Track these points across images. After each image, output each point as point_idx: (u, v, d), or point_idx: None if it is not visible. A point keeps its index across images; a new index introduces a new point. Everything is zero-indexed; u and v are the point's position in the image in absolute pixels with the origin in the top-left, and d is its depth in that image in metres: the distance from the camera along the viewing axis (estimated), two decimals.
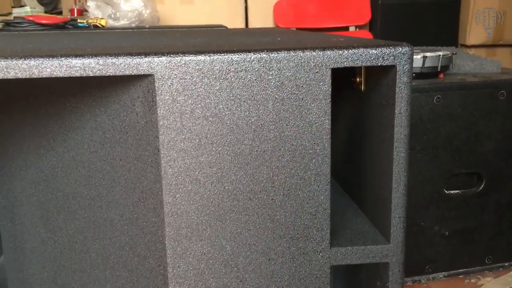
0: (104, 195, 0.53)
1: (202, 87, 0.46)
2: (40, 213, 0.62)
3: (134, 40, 0.67)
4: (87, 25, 1.40)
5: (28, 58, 0.43)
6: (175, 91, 0.46)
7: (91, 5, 1.51)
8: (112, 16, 1.52)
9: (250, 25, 1.99)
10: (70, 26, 1.39)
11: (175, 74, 0.46)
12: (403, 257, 0.52)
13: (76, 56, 0.44)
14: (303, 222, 0.49)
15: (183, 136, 0.47)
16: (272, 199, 0.49)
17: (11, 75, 0.43)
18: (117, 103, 0.49)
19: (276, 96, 0.47)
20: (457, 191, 1.14)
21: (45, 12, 1.96)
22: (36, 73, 0.43)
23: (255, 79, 0.47)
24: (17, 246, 0.64)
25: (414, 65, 1.12)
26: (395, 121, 0.50)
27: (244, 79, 0.46)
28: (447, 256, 1.16)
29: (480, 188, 1.15)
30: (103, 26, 1.40)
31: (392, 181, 0.51)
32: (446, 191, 1.13)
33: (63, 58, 0.44)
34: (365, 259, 0.51)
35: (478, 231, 1.17)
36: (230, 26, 1.52)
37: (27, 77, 0.44)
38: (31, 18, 1.37)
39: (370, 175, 0.58)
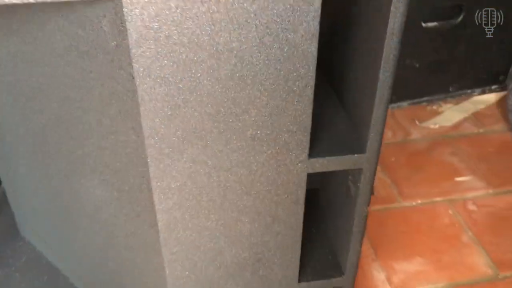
0: (78, 100, 0.51)
1: (178, 11, 0.41)
2: (24, 130, 0.60)
3: None
4: None
5: None
6: (147, 17, 0.41)
7: None
8: None
9: None
10: None
11: None
12: (376, 165, 0.54)
13: None
14: (284, 139, 0.50)
15: (159, 64, 0.43)
16: (253, 119, 0.48)
17: None
18: (83, 15, 0.44)
19: (260, 20, 0.42)
20: (434, 23, 1.12)
21: None
22: None
23: (237, 2, 0.41)
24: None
25: None
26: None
27: (224, 1, 0.41)
28: (413, 86, 1.20)
29: (458, 20, 1.13)
30: None
31: (376, 95, 0.50)
32: (424, 24, 1.11)
33: None
34: (340, 167, 0.53)
35: (447, 62, 1.19)
36: None
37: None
38: None
39: (355, 73, 0.57)
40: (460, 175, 1.05)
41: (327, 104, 0.62)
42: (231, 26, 0.42)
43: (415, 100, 1.23)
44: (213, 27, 0.42)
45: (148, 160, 0.48)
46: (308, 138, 0.50)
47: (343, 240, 0.64)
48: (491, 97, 1.27)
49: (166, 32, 0.42)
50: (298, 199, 0.54)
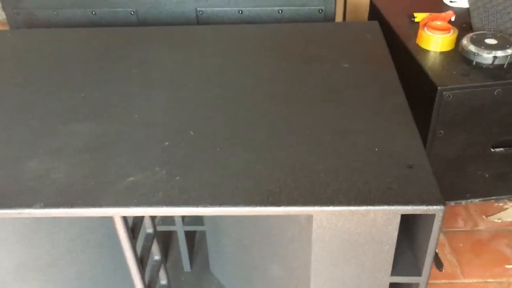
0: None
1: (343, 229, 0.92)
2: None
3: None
4: None
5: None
6: (331, 229, 0.92)
7: None
8: None
9: None
10: None
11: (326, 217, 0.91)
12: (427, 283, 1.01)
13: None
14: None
15: (331, 261, 0.95)
16: None
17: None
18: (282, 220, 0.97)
19: None
20: (501, 149, 1.53)
21: None
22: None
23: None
24: None
25: (484, 61, 1.41)
26: None
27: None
28: (483, 189, 1.62)
29: None
30: None
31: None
32: (492, 150, 1.53)
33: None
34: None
35: (509, 174, 1.59)
36: None
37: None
38: None
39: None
40: (510, 263, 1.46)
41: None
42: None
43: (485, 198, 1.65)
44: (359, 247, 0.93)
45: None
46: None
47: None
48: None
49: (336, 246, 0.93)
50: None
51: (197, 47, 1.35)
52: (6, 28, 2.95)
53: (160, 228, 1.30)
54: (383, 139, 0.99)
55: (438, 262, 1.46)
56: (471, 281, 1.41)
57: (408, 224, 1.02)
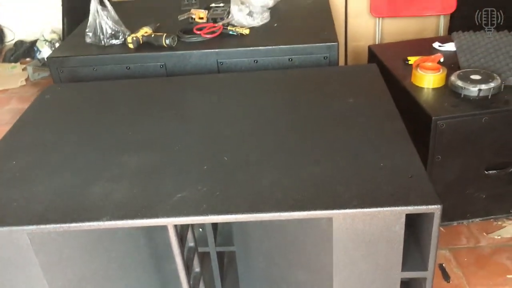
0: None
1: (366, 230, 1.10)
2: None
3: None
4: (235, 34, 1.95)
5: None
6: (348, 230, 1.09)
7: (234, 9, 2.03)
8: (249, 15, 2.04)
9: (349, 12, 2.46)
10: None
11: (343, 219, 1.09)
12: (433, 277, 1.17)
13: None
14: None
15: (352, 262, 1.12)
16: None
17: None
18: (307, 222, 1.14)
19: None
20: (494, 171, 1.71)
21: None
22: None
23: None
24: None
25: (471, 94, 1.62)
26: None
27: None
28: (483, 209, 1.79)
29: (510, 170, 1.71)
30: (246, 34, 1.95)
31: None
32: (486, 172, 1.71)
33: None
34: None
35: (506, 194, 1.76)
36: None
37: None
38: (197, 32, 1.95)
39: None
40: (510, 274, 1.60)
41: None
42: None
43: (485, 218, 1.81)
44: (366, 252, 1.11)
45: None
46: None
47: None
48: None
49: (356, 245, 1.11)
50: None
51: (220, 90, 1.58)
52: (36, 87, 3.22)
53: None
54: (387, 156, 1.18)
55: (445, 275, 1.61)
56: None
57: (413, 229, 1.19)
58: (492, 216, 1.81)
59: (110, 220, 1.06)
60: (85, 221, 1.06)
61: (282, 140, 1.28)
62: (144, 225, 1.06)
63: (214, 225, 1.50)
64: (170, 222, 1.06)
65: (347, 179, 1.12)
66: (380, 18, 2.53)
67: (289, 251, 1.27)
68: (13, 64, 3.50)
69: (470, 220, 1.81)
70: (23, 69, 3.39)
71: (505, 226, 1.79)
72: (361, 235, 1.07)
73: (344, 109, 1.40)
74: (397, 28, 2.61)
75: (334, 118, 1.36)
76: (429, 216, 1.06)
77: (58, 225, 1.06)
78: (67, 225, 1.06)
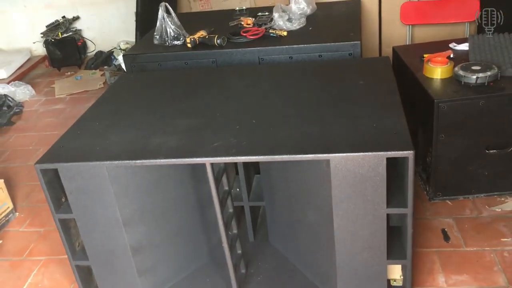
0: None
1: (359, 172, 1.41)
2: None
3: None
4: (275, 36, 2.32)
5: None
6: (342, 170, 1.42)
7: (275, 15, 2.41)
8: (288, 20, 2.41)
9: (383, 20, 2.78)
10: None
11: (342, 161, 1.41)
12: (413, 213, 1.46)
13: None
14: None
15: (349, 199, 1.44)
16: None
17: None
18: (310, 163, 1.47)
19: None
20: (494, 150, 1.96)
21: None
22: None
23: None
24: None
25: (470, 81, 1.89)
26: None
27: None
28: (487, 185, 2.02)
29: (510, 149, 1.95)
30: (284, 36, 2.32)
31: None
32: (486, 151, 1.96)
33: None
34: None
35: (508, 171, 1.99)
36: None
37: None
38: (244, 34, 2.34)
39: None
40: (505, 237, 1.84)
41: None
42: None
43: (489, 193, 2.04)
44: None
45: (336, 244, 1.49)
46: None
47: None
48: None
49: (354, 183, 1.43)
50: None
51: (258, 77, 1.95)
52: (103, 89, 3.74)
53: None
54: (380, 120, 1.50)
55: (446, 236, 1.87)
56: (472, 249, 1.79)
57: (399, 178, 1.49)
58: (496, 193, 2.04)
59: (165, 158, 1.45)
60: (147, 159, 1.45)
61: (300, 109, 1.63)
62: (187, 163, 1.44)
63: (248, 185, 1.86)
64: (207, 160, 1.43)
65: (345, 134, 1.45)
66: (410, 25, 2.82)
67: (302, 195, 1.60)
68: (93, 70, 4.08)
69: (475, 195, 2.05)
70: (102, 74, 3.94)
71: (507, 202, 2.01)
72: (353, 174, 1.39)
73: (354, 88, 1.73)
74: (427, 35, 2.88)
75: (345, 94, 1.70)
76: (406, 161, 1.37)
77: (128, 161, 1.46)
78: (134, 161, 1.46)
